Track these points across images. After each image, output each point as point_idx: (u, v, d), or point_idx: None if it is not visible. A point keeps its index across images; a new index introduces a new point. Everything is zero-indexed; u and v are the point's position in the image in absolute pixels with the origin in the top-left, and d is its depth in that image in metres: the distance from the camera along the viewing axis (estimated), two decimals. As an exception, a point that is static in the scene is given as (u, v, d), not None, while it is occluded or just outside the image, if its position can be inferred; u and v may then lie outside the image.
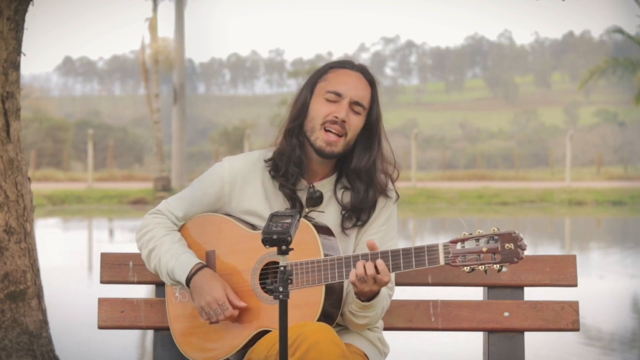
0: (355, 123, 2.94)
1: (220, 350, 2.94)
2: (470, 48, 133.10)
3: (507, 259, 2.62)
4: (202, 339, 2.97)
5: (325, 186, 3.00)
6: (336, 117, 2.91)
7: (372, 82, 2.99)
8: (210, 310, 2.89)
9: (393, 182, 3.03)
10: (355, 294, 2.81)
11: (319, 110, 2.94)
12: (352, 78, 2.96)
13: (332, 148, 2.93)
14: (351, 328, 2.95)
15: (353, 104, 2.94)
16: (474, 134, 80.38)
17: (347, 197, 2.99)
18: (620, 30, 30.55)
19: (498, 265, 2.63)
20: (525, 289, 3.22)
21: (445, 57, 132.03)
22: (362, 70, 3.00)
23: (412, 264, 2.73)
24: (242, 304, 2.89)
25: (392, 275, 2.95)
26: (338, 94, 2.93)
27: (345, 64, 3.00)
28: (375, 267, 2.73)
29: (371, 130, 2.98)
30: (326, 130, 2.93)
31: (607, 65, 30.26)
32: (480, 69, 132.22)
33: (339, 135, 2.93)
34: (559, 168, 45.25)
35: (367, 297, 2.82)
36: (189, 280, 2.92)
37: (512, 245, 2.62)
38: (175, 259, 2.95)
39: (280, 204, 2.98)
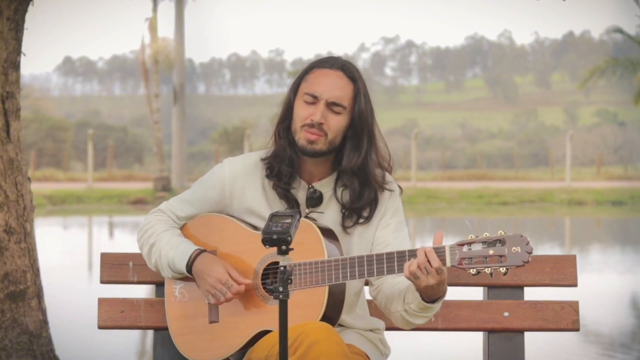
0: (335, 123, 2.91)
1: (220, 350, 2.93)
2: (470, 48, 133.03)
3: (513, 262, 2.61)
4: (202, 339, 2.96)
5: (325, 186, 2.99)
6: (312, 120, 2.90)
7: (354, 79, 2.95)
8: (216, 291, 2.87)
9: (390, 173, 3.01)
10: (419, 292, 2.76)
11: (299, 112, 2.93)
12: (329, 78, 2.92)
13: (314, 146, 2.90)
14: (402, 326, 2.91)
15: (330, 104, 2.91)
16: (474, 134, 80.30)
17: (346, 196, 2.98)
18: (620, 30, 30.57)
19: (504, 268, 2.62)
20: (525, 289, 3.21)
21: (445, 57, 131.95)
22: (343, 67, 2.95)
23: None
24: (246, 280, 2.87)
25: None
26: (314, 96, 2.91)
27: (325, 63, 2.96)
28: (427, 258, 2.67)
29: (356, 128, 2.94)
30: (307, 131, 2.91)
31: (607, 65, 30.27)
32: (480, 69, 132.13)
33: (319, 135, 2.91)
34: (558, 168, 45.25)
35: (431, 298, 2.77)
36: (190, 267, 2.92)
37: (518, 249, 2.62)
38: (174, 250, 2.95)
39: (280, 204, 2.97)
